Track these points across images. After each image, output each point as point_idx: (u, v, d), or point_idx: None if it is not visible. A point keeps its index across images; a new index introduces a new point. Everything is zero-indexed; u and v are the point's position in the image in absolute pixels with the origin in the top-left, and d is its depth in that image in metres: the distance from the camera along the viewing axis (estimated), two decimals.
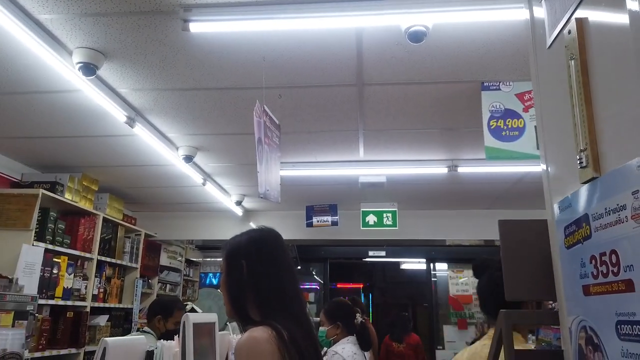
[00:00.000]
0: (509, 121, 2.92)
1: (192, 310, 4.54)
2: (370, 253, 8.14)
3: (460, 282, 7.56)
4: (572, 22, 1.07)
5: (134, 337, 2.44)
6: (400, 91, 3.15)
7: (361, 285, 12.78)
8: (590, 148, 0.97)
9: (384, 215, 5.89)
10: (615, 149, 0.93)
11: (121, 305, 5.24)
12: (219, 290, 8.36)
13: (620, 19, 0.91)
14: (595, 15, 1.02)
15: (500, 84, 2.96)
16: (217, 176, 5.05)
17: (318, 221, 6.01)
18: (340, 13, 2.25)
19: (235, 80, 2.99)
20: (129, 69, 2.86)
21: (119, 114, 3.27)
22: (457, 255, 7.64)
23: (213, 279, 9.37)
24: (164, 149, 3.93)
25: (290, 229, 6.27)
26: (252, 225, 6.54)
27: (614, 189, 0.89)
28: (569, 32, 1.07)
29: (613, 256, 0.88)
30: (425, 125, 3.68)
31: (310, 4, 2.23)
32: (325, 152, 4.31)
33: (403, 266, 10.52)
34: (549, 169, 1.21)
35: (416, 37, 2.39)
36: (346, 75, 2.93)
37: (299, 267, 9.08)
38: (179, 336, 2.03)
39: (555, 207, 1.13)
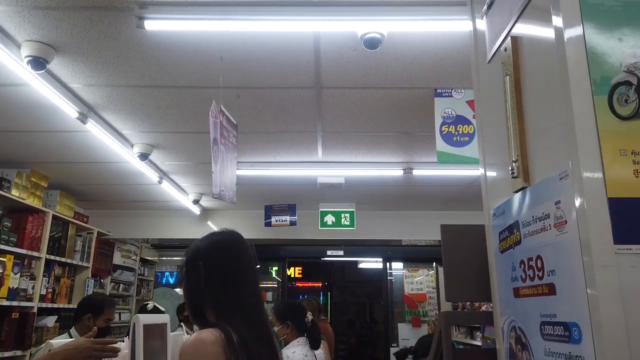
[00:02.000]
0: (460, 127, 3.03)
1: (155, 308, 4.45)
2: (329, 252, 8.21)
3: (415, 281, 7.73)
4: (508, 40, 1.14)
5: (80, 339, 2.38)
6: (357, 95, 3.21)
7: (320, 284, 12.86)
8: (521, 159, 1.04)
9: (342, 215, 5.96)
10: (543, 161, 1.00)
11: (71, 306, 5.07)
12: (176, 290, 8.19)
13: (549, 40, 0.98)
14: (528, 34, 1.10)
15: (453, 91, 3.06)
16: (173, 174, 4.98)
17: (277, 221, 6.01)
18: (297, 17, 2.28)
19: (192, 79, 2.97)
20: (81, 64, 2.79)
21: (70, 110, 3.17)
22: (412, 255, 7.82)
23: (170, 278, 9.20)
24: (118, 146, 3.84)
25: (249, 229, 6.24)
26: (210, 224, 6.48)
27: (540, 198, 0.96)
28: (505, 49, 1.14)
29: (539, 261, 0.95)
30: (381, 128, 3.76)
31: (267, 7, 2.25)
32: (284, 152, 4.33)
33: (361, 265, 10.67)
34: (486, 176, 1.29)
35: (371, 43, 2.45)
36: (304, 77, 2.96)
37: (258, 267, 9.03)
38: (128, 337, 2.01)
39: (491, 213, 1.20)
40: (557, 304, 0.89)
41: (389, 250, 7.95)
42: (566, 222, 0.86)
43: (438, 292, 7.30)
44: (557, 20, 0.94)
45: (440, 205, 6.16)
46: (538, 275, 0.95)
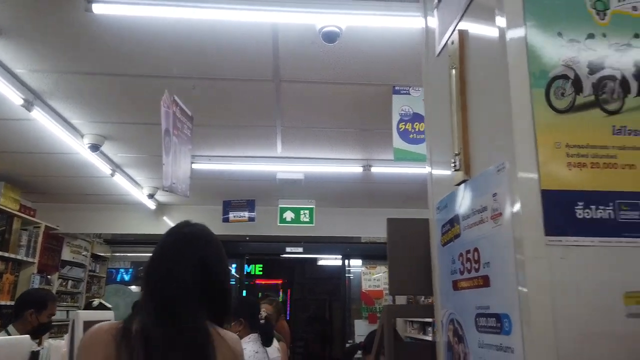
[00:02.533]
0: (416, 124, 3.06)
1: (100, 305, 4.29)
2: (288, 249, 8.17)
3: (373, 277, 7.80)
4: (456, 33, 1.14)
5: (17, 337, 2.27)
6: (316, 90, 3.18)
7: (280, 282, 12.79)
8: (463, 152, 1.04)
9: (302, 212, 5.94)
10: (484, 154, 1.00)
11: (13, 303, 4.84)
12: (130, 287, 7.91)
13: (492, 32, 0.98)
14: (474, 29, 1.10)
15: (410, 88, 3.08)
16: (127, 167, 4.82)
17: (235, 216, 5.93)
18: (255, 7, 2.23)
19: (145, 68, 2.87)
20: (26, 48, 2.65)
21: (14, 96, 3.01)
22: (371, 252, 7.88)
23: (125, 275, 8.91)
24: (67, 136, 3.68)
25: (206, 224, 6.08)
26: (166, 219, 6.32)
27: (479, 191, 0.96)
28: (452, 42, 1.14)
29: (475, 253, 0.95)
30: (341, 124, 3.76)
31: None
32: (243, 146, 4.26)
33: (320, 262, 10.68)
34: (432, 171, 1.29)
35: (330, 37, 2.43)
36: (263, 70, 2.91)
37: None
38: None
39: (435, 206, 1.20)
40: (491, 295, 0.89)
41: (348, 247, 7.99)
42: (501, 214, 0.87)
43: None
44: (500, 13, 0.94)
45: (399, 203, 6.22)
46: (475, 267, 0.95)
